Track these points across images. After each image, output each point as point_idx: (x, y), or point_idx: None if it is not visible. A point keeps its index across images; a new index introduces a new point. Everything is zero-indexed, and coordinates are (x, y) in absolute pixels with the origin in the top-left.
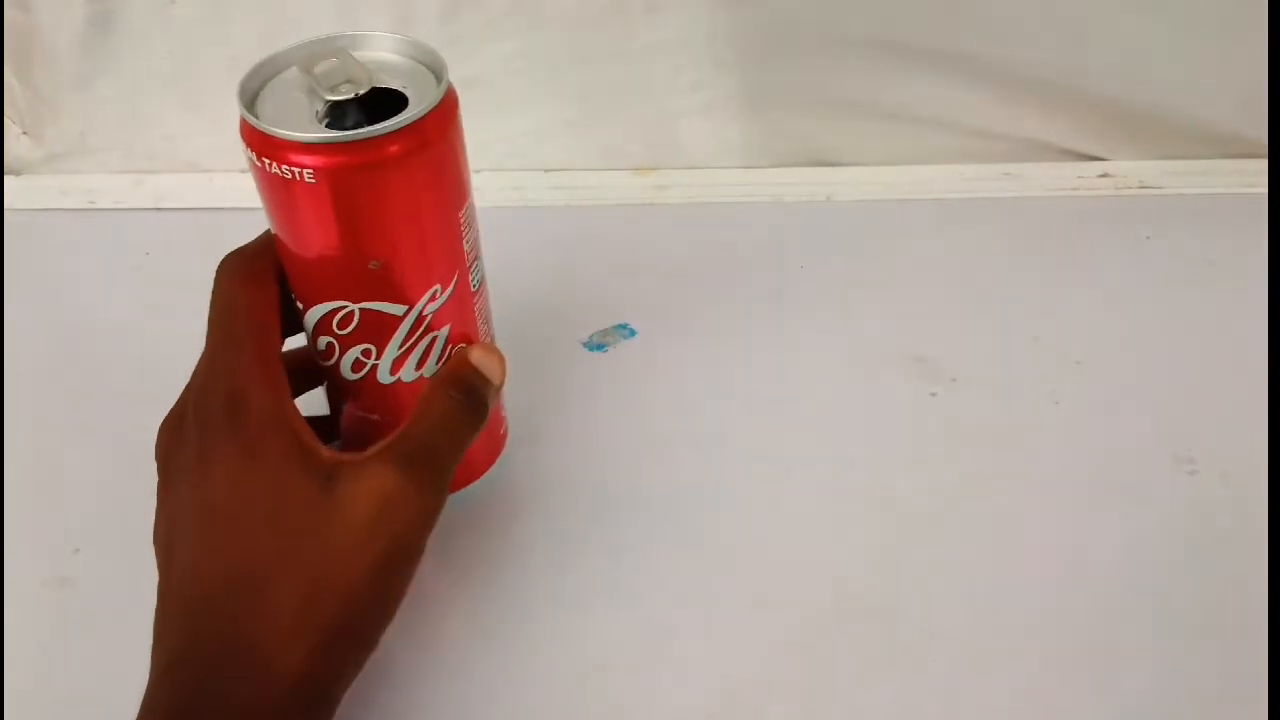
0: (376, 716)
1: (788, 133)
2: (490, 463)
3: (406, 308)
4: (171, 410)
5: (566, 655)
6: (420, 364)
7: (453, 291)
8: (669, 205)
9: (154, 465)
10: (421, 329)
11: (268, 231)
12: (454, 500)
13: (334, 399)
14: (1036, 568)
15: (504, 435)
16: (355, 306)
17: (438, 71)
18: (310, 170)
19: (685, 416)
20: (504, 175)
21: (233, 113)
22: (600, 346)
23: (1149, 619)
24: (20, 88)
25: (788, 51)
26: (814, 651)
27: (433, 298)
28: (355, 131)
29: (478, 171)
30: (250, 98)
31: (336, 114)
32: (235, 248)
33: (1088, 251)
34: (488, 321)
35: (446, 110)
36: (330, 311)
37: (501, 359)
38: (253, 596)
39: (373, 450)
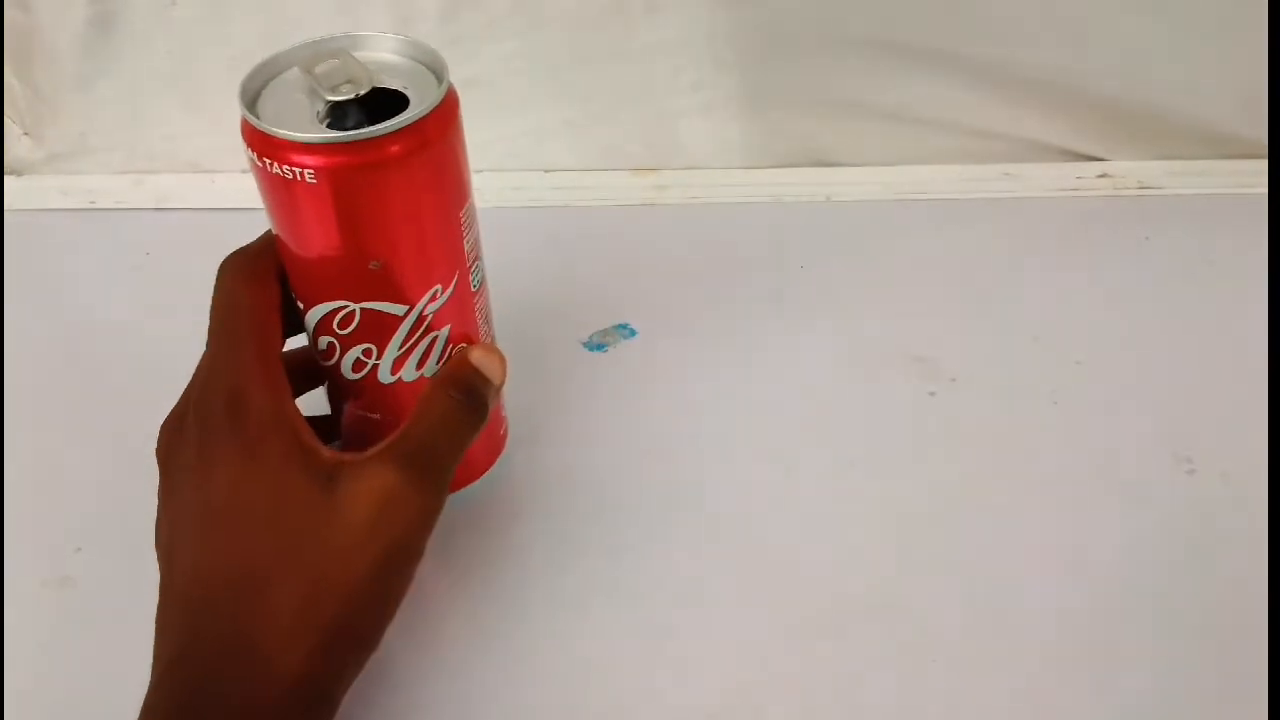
0: (376, 716)
1: (788, 133)
2: (490, 463)
3: (407, 308)
4: (172, 410)
5: (566, 655)
6: (421, 364)
7: (453, 291)
8: (669, 205)
9: (155, 465)
10: (422, 329)
11: (269, 232)
12: (454, 500)
13: (334, 399)
14: (1036, 568)
15: (504, 435)
16: (356, 306)
17: (438, 72)
18: (311, 170)
19: (685, 416)
20: (504, 175)
21: (233, 113)
22: (600, 346)
23: (1149, 619)
24: (21, 88)
25: (788, 51)
26: (814, 651)
27: (433, 298)
28: (356, 132)
29: (478, 171)
30: (251, 98)
31: (337, 114)
32: (236, 248)
33: (1087, 251)
34: (488, 321)
35: (447, 110)
36: (331, 311)
37: (502, 359)
38: (253, 596)
39: (373, 450)
